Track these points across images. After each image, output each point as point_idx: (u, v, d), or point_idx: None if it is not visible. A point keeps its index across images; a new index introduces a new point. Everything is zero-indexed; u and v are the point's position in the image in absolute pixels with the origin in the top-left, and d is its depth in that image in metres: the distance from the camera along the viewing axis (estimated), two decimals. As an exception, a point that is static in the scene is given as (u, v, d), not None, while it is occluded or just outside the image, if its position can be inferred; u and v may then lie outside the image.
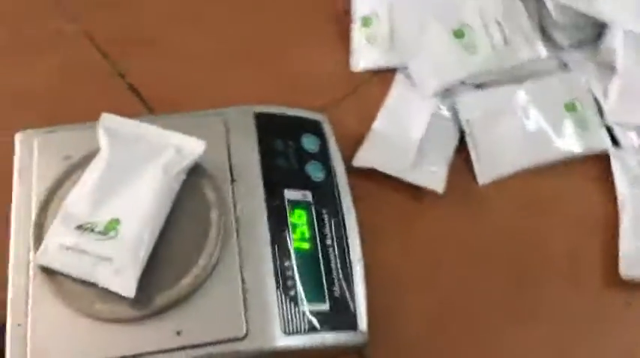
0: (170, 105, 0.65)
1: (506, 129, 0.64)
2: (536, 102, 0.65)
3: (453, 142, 0.64)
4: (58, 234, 0.49)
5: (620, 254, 0.58)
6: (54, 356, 0.47)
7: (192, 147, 0.52)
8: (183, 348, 0.48)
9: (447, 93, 0.65)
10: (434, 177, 0.61)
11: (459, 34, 0.65)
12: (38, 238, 0.50)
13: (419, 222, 0.62)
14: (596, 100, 0.65)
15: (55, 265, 0.48)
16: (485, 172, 0.63)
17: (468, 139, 0.64)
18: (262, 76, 0.68)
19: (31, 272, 0.50)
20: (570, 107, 0.64)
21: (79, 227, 0.49)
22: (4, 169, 0.54)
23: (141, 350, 0.48)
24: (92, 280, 0.48)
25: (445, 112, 0.65)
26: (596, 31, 0.68)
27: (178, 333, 0.49)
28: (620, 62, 0.64)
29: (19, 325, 0.48)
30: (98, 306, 0.48)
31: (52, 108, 0.63)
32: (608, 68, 0.66)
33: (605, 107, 0.64)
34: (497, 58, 0.65)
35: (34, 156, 0.55)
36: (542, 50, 0.66)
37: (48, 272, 0.49)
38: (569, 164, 0.64)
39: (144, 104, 0.66)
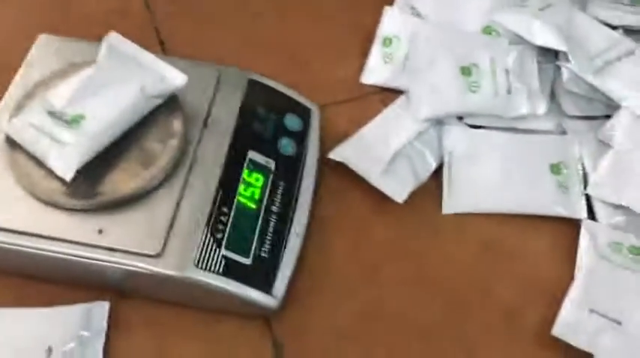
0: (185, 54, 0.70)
1: (486, 172, 0.64)
2: (523, 155, 0.65)
3: (429, 166, 0.65)
4: (31, 113, 0.53)
5: (559, 318, 0.56)
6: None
7: (174, 79, 0.56)
8: (97, 247, 0.50)
9: (440, 123, 0.67)
10: (398, 188, 0.62)
11: (466, 71, 0.68)
12: (15, 114, 0.54)
13: (373, 228, 0.62)
14: (584, 171, 0.65)
15: (17, 137, 0.52)
16: (451, 204, 0.63)
17: (444, 169, 0.64)
18: (279, 62, 0.72)
19: (-1, 143, 0.54)
20: (555, 169, 0.64)
21: (51, 113, 0.53)
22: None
23: (60, 236, 0.51)
24: (41, 158, 0.51)
25: (431, 139, 0.66)
26: (605, 111, 0.68)
27: (100, 232, 0.51)
28: (617, 141, 0.64)
29: (-31, 182, 0.52)
30: (41, 186, 0.52)
31: (89, 29, 0.68)
32: (606, 146, 0.65)
33: (591, 179, 0.64)
34: (497, 104, 0.66)
35: (46, 55, 0.60)
36: (541, 108, 0.67)
37: (11, 144, 0.53)
38: (538, 221, 0.63)
39: (162, 48, 0.71)
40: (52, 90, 0.55)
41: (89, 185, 0.52)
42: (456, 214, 0.63)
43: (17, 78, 0.59)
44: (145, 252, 0.51)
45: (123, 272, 0.51)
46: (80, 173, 0.51)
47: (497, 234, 0.63)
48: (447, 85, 0.67)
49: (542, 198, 0.63)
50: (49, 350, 0.50)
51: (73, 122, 0.52)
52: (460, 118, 0.68)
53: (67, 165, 0.50)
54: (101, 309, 0.53)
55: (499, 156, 0.65)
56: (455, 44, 0.70)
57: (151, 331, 0.54)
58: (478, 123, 0.68)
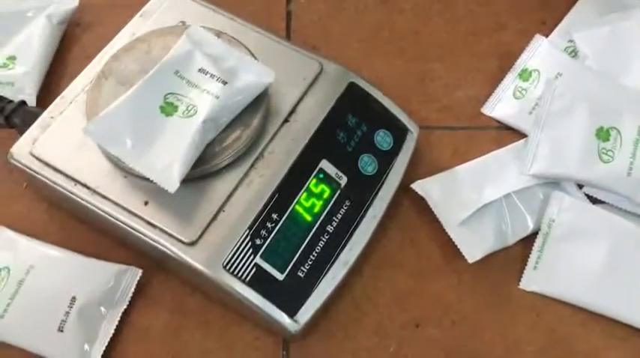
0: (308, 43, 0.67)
1: (586, 257, 0.54)
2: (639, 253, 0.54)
3: (524, 230, 0.56)
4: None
5: None
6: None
7: (258, 83, 0.51)
8: (139, 217, 0.50)
9: (552, 184, 0.57)
10: (475, 245, 0.54)
11: (603, 134, 0.57)
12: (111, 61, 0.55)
13: (432, 280, 0.55)
14: None
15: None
16: (533, 279, 0.55)
17: (538, 238, 0.55)
18: (400, 67, 0.66)
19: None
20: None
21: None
22: None
23: (109, 195, 0.51)
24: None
25: (535, 199, 0.57)
26: None
27: (145, 203, 0.50)
28: None
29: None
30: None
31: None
32: None
33: None
34: (628, 184, 0.55)
35: (161, 7, 0.60)
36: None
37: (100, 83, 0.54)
38: (634, 335, 0.53)
39: (287, 34, 0.68)
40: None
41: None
42: (533, 293, 0.55)
43: (129, 25, 0.59)
44: (180, 237, 0.49)
45: (157, 249, 0.50)
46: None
47: (576, 332, 0.53)
48: (573, 144, 0.57)
49: (645, 310, 0.53)
50: (73, 299, 0.52)
51: None
52: (580, 186, 0.58)
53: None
54: (133, 275, 0.53)
55: (609, 244, 0.54)
56: (602, 98, 0.59)
57: (171, 311, 0.54)
58: (599, 197, 0.57)
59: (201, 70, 0.52)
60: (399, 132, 0.58)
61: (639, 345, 0.52)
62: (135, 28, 0.59)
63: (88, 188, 0.51)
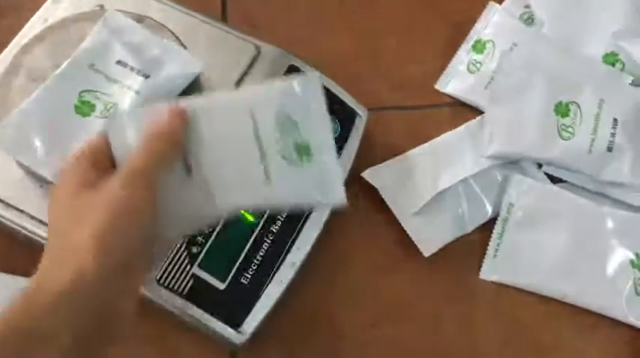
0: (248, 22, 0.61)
1: (548, 241, 0.52)
2: (602, 234, 0.51)
3: (482, 216, 0.53)
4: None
5: None
6: None
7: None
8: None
9: (510, 165, 0.54)
10: (431, 237, 0.51)
11: (562, 109, 0.53)
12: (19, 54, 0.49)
13: (389, 276, 0.52)
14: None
15: None
16: (493, 268, 0.52)
17: (497, 224, 0.52)
18: (347, 47, 0.61)
19: None
20: (639, 265, 0.51)
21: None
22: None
23: (31, 212, 0.46)
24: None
25: (493, 182, 0.54)
26: None
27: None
28: None
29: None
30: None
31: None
32: None
33: None
34: (589, 161, 0.52)
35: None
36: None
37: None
38: (599, 321, 0.50)
39: (223, 13, 0.62)
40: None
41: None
42: (494, 282, 0.52)
43: (41, 10, 0.53)
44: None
45: (83, 264, 0.45)
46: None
47: (541, 322, 0.51)
48: (532, 121, 0.53)
49: (611, 297, 0.50)
50: None
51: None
52: (540, 165, 0.54)
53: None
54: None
55: (571, 227, 0.52)
56: (560, 69, 0.55)
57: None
58: (560, 176, 0.54)
59: (119, 62, 0.46)
60: (346, 117, 0.53)
61: (608, 335, 0.50)
62: (48, 13, 0.53)
63: (0, 201, 0.46)
